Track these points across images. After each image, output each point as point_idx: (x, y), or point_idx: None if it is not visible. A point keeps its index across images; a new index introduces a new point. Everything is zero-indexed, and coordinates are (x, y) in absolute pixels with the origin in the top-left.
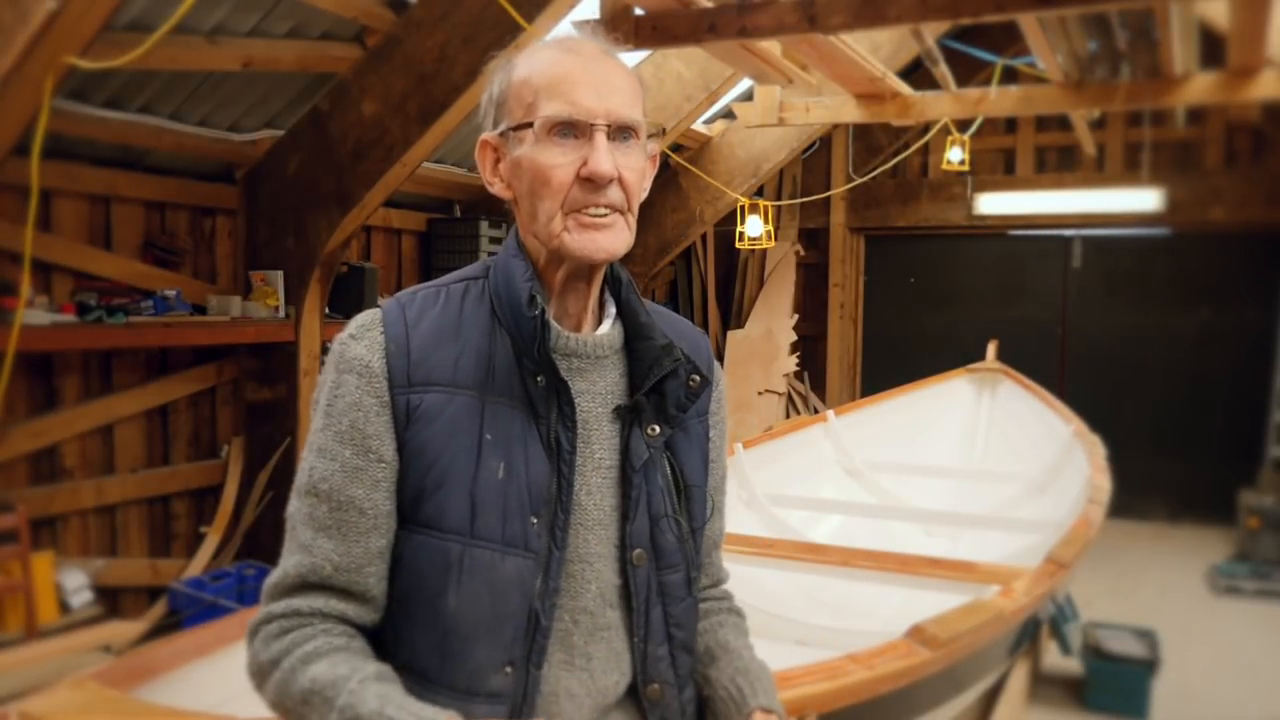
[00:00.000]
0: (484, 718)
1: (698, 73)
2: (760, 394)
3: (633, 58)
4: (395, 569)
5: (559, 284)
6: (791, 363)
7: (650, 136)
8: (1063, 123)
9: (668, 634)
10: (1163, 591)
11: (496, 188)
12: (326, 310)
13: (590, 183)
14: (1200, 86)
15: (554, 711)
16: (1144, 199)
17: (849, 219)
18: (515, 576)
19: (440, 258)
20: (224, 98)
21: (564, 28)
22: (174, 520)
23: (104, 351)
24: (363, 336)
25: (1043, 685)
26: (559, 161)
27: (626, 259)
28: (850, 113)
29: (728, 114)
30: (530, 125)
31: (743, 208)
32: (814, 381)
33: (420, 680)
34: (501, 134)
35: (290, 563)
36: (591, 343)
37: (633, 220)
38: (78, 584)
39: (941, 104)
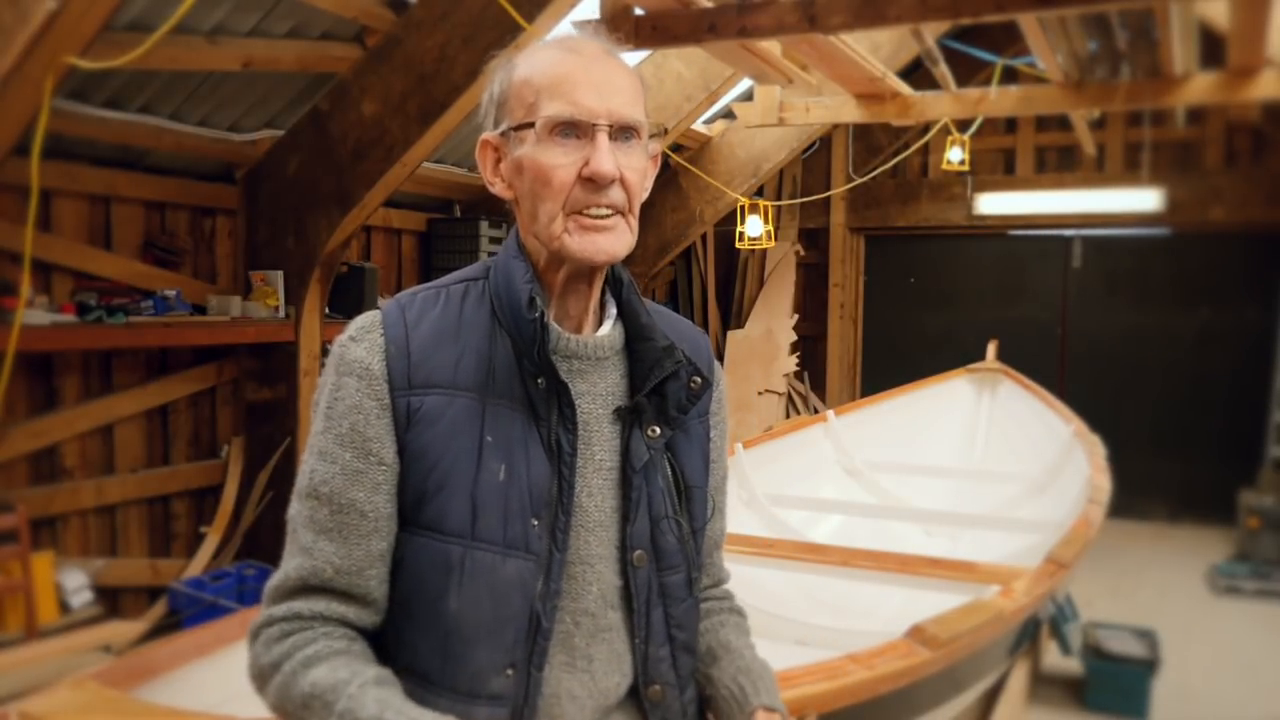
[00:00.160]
0: None
1: (698, 73)
2: (760, 394)
3: (633, 58)
4: (396, 572)
5: (559, 285)
6: (791, 363)
7: (652, 137)
8: (1063, 123)
9: (669, 635)
10: (1163, 591)
11: (497, 188)
12: (326, 310)
13: (592, 183)
14: (1200, 86)
15: (556, 713)
16: (1144, 199)
17: (849, 219)
18: (516, 579)
19: (440, 258)
20: (224, 98)
21: (564, 28)
22: (174, 520)
23: (104, 351)
24: (362, 339)
25: (1043, 685)
26: (560, 162)
27: (626, 259)
28: (850, 113)
29: (728, 114)
30: (531, 125)
31: (743, 208)
32: (814, 381)
33: (422, 683)
34: (502, 134)
35: (291, 565)
36: (592, 344)
37: (634, 221)
38: (78, 584)
39: (941, 104)
